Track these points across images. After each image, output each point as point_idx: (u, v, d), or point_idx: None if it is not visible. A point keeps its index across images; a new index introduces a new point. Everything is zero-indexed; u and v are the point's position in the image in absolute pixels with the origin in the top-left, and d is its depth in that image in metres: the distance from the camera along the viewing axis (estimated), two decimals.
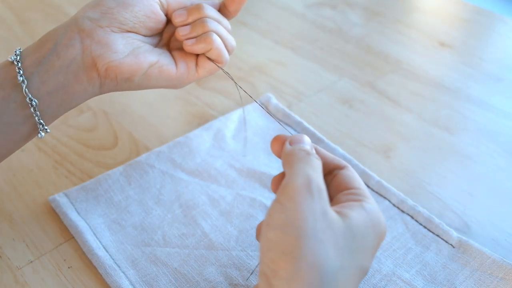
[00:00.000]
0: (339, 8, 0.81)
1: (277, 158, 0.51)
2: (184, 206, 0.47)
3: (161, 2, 0.44)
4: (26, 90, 0.38)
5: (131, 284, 0.40)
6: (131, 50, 0.41)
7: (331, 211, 0.29)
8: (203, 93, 0.62)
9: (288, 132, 0.55)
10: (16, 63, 0.39)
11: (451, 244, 0.43)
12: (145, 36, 0.44)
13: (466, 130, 0.57)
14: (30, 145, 0.53)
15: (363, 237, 0.30)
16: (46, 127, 0.41)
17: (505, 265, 0.41)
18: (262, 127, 0.56)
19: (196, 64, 0.45)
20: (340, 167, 0.35)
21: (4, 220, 0.46)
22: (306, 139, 0.35)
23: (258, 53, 0.70)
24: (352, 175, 0.35)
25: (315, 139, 0.53)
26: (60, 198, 0.46)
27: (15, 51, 0.40)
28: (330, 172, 0.36)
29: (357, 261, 0.29)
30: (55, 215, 0.46)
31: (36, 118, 0.39)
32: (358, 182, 0.35)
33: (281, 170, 0.50)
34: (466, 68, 0.68)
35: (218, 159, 0.51)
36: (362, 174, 0.49)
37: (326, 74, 0.66)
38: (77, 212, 0.45)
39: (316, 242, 0.27)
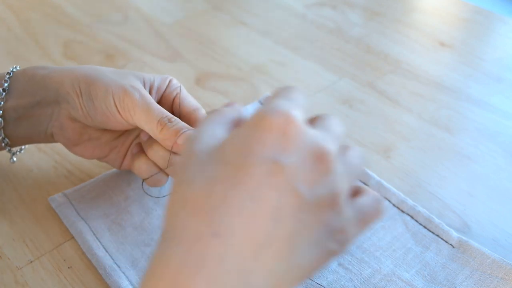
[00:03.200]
0: (339, 8, 0.81)
1: None
2: None
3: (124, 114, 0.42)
4: (1, 131, 0.44)
5: (131, 284, 0.40)
6: (86, 139, 0.45)
7: (199, 147, 0.30)
8: (203, 93, 0.62)
9: None
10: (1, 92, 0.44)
11: (451, 244, 0.43)
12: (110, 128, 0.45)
13: (466, 130, 0.57)
14: (30, 145, 0.53)
15: (234, 141, 0.28)
16: (17, 152, 0.50)
17: (505, 265, 0.41)
18: None
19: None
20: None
21: (4, 220, 0.46)
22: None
23: (258, 53, 0.70)
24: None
25: None
26: (60, 198, 0.46)
27: (7, 74, 0.44)
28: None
29: (224, 165, 0.27)
30: (55, 215, 0.46)
31: (7, 150, 0.47)
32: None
33: None
34: (466, 68, 0.68)
35: None
36: (362, 174, 0.49)
37: (326, 74, 0.66)
38: (77, 212, 0.45)
39: (182, 169, 0.29)
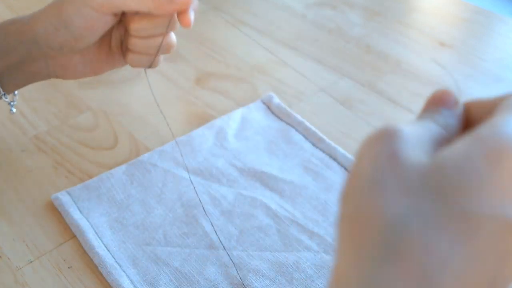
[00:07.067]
0: (339, 8, 0.81)
1: (278, 157, 0.51)
2: (186, 205, 0.47)
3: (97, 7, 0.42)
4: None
5: (132, 283, 0.40)
6: (90, 65, 0.47)
7: (406, 152, 0.22)
8: (202, 93, 0.62)
9: (290, 131, 0.55)
10: None
11: None
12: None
13: None
14: (30, 145, 0.53)
15: (461, 175, 0.20)
16: (12, 103, 0.49)
17: None
18: (263, 127, 0.55)
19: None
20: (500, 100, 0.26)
21: (4, 220, 0.45)
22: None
23: (258, 53, 0.70)
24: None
25: (316, 139, 0.53)
26: (63, 197, 0.46)
27: None
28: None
29: (449, 205, 0.20)
30: (55, 215, 0.46)
31: (7, 101, 0.48)
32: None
33: (282, 169, 0.50)
34: (466, 68, 0.68)
35: (219, 158, 0.51)
36: None
37: (326, 74, 0.66)
38: (79, 210, 0.45)
39: (371, 188, 0.22)
